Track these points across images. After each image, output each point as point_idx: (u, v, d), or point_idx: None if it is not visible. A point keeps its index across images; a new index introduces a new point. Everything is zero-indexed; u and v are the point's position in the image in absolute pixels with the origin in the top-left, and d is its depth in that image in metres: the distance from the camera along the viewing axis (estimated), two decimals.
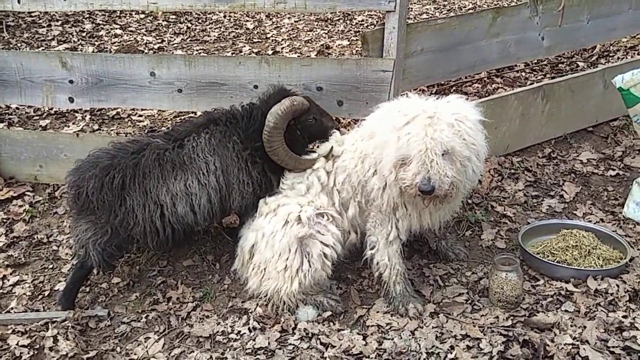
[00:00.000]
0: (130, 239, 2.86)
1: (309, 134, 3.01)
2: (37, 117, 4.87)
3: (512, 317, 2.71)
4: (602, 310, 2.70)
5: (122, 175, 2.76)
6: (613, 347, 2.48)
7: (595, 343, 2.50)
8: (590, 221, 3.36)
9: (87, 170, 2.82)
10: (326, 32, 6.77)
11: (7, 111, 4.95)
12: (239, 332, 2.77)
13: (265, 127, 2.83)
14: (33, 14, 7.15)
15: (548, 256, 3.04)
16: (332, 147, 2.93)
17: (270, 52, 6.04)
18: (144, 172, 2.78)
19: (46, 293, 3.11)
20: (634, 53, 5.21)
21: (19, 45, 6.31)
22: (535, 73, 5.07)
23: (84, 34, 6.81)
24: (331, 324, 2.78)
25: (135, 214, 2.77)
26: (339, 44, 6.20)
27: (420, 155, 2.41)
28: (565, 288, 2.86)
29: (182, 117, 4.74)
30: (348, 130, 3.62)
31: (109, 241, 2.83)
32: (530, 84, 4.64)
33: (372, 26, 6.81)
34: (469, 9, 7.24)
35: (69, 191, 2.89)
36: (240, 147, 2.88)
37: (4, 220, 3.65)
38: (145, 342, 2.75)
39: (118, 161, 2.80)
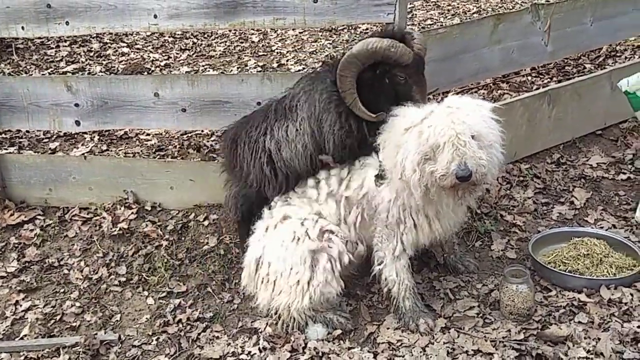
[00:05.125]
0: (251, 189, 2.94)
1: (395, 93, 2.65)
2: (47, 140, 4.92)
3: (524, 330, 2.67)
4: (616, 321, 2.66)
5: (236, 127, 2.99)
6: (629, 359, 2.44)
7: (610, 355, 2.46)
8: (602, 227, 3.31)
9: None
10: (331, 42, 6.76)
11: (17, 134, 5.00)
12: (249, 352, 2.76)
13: (346, 55, 2.55)
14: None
15: (559, 266, 3.00)
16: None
17: (275, 64, 6.05)
18: (249, 120, 2.95)
19: (57, 317, 3.13)
20: None
21: (28, 67, 6.39)
22: (542, 77, 5.02)
23: (91, 54, 6.87)
24: (341, 342, 2.76)
25: (245, 160, 2.88)
26: None
27: (452, 141, 2.34)
28: (578, 298, 2.82)
29: (189, 135, 4.77)
30: None
31: (239, 192, 3.01)
32: (537, 88, 4.60)
33: None
34: (473, 13, 7.20)
35: None
36: (330, 89, 2.68)
37: (16, 246, 3.69)
38: None
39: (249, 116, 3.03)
